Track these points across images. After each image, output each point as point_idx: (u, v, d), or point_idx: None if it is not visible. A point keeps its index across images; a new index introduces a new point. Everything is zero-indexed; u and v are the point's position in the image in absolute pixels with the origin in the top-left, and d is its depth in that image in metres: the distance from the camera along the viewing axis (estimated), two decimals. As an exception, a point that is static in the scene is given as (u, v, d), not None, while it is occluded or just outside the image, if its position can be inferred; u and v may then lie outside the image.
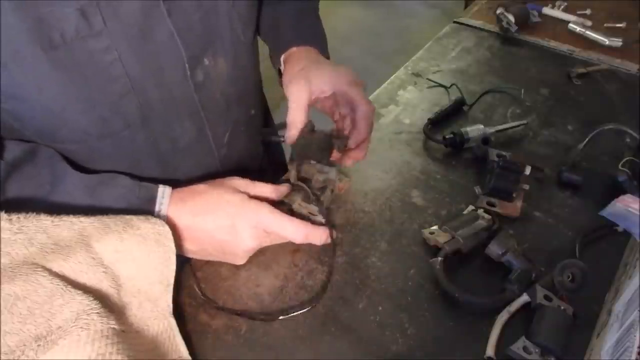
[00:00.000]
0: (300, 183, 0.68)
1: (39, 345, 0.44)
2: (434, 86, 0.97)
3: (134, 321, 0.53)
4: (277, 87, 0.74)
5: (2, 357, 0.43)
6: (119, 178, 0.57)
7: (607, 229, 0.68)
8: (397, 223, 0.70)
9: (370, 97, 0.94)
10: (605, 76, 0.98)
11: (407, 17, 3.41)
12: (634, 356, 0.43)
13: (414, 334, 0.58)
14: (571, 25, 1.12)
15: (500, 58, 1.05)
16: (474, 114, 0.90)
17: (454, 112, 0.90)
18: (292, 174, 0.68)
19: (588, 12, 1.16)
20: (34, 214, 0.50)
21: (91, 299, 0.48)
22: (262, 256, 0.66)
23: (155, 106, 0.58)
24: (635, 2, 1.18)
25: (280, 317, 0.58)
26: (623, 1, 1.20)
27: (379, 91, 0.96)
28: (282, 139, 0.72)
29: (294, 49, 0.73)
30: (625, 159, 0.73)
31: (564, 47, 1.07)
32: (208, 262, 0.66)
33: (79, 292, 0.48)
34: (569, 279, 0.59)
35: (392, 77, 1.00)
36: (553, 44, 1.08)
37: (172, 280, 0.56)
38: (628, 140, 0.78)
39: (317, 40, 0.75)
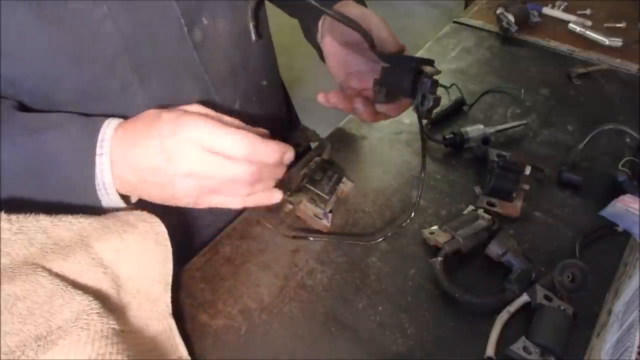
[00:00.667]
0: (307, 185, 0.68)
1: (39, 346, 0.44)
2: (434, 86, 0.97)
3: (134, 321, 0.53)
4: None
5: (2, 357, 0.43)
6: (60, 114, 0.53)
7: (607, 229, 0.68)
8: (397, 223, 0.70)
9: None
10: (605, 76, 0.98)
11: (407, 17, 3.41)
12: (634, 356, 0.43)
13: (414, 334, 0.58)
14: (571, 25, 1.12)
15: (500, 58, 1.05)
16: (474, 114, 0.90)
17: (454, 112, 0.90)
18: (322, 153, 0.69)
19: (588, 12, 1.16)
20: (34, 214, 0.50)
21: (91, 299, 0.48)
22: (262, 256, 0.66)
23: (153, 67, 0.57)
24: (635, 2, 1.18)
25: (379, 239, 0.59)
26: (623, 1, 1.20)
27: (379, 91, 0.96)
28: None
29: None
30: (625, 159, 0.73)
31: (564, 47, 1.07)
32: (208, 262, 0.66)
33: (79, 292, 0.48)
34: (569, 279, 0.59)
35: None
36: (553, 44, 1.08)
37: (170, 280, 0.56)
38: (628, 140, 0.78)
39: None
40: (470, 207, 0.70)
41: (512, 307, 0.58)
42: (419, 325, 0.59)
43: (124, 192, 0.53)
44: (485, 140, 0.80)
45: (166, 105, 0.54)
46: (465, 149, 0.81)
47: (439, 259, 0.62)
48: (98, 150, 0.49)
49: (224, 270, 0.65)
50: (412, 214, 0.65)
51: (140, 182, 0.51)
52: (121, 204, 0.54)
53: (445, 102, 0.91)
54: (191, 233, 0.72)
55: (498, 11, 1.10)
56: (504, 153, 0.75)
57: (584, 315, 0.58)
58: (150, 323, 0.54)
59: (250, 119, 0.56)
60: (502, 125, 0.83)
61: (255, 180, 0.51)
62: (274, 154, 0.50)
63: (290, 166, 0.81)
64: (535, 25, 1.13)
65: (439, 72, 0.61)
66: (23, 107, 0.54)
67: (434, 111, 0.87)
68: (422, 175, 0.64)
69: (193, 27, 0.59)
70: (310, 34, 0.74)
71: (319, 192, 0.68)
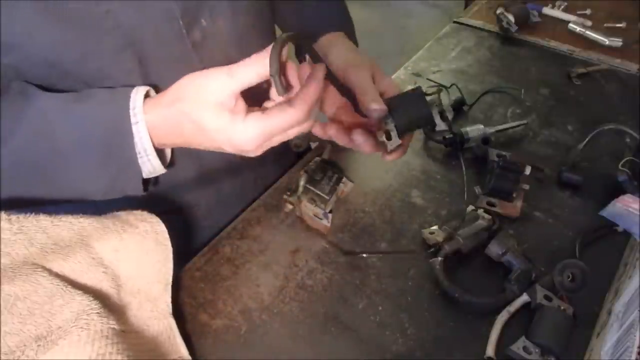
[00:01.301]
0: (307, 185, 0.68)
1: (39, 346, 0.44)
2: (434, 86, 0.97)
3: (134, 321, 0.53)
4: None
5: (2, 357, 0.43)
6: (88, 90, 0.54)
7: (607, 229, 0.68)
8: (397, 223, 0.70)
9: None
10: (605, 76, 0.98)
11: (407, 17, 3.41)
12: (634, 356, 0.43)
13: (414, 334, 0.58)
14: (571, 25, 1.12)
15: (500, 58, 1.05)
16: (474, 114, 0.90)
17: (454, 112, 0.90)
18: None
19: (588, 12, 1.16)
20: (34, 214, 0.50)
21: (91, 299, 0.48)
22: (262, 256, 0.66)
23: (155, 64, 0.58)
24: (635, 2, 1.18)
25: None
26: (623, 1, 1.20)
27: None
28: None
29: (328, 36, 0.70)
30: (625, 159, 0.73)
31: (564, 47, 1.07)
32: (208, 262, 0.66)
33: (79, 292, 0.48)
34: (569, 279, 0.59)
35: (392, 77, 1.00)
36: (553, 44, 1.08)
37: (170, 280, 0.56)
38: (628, 140, 0.78)
39: (345, 26, 0.72)
40: (470, 207, 0.70)
41: (512, 307, 0.58)
42: (419, 325, 0.59)
43: (162, 145, 0.54)
44: (485, 140, 0.80)
45: None
46: (465, 149, 0.81)
47: (439, 259, 0.62)
48: (132, 120, 0.51)
49: (224, 270, 0.65)
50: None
51: (180, 140, 0.53)
52: (160, 168, 0.54)
53: (445, 102, 0.91)
54: (191, 233, 0.72)
55: (498, 11, 1.10)
56: (504, 153, 0.75)
57: (584, 315, 0.58)
58: (150, 323, 0.54)
59: None
60: (502, 125, 0.83)
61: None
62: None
63: (290, 166, 0.82)
64: (535, 25, 1.13)
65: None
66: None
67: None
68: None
69: (192, 27, 0.59)
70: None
71: (319, 192, 0.68)
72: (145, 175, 0.54)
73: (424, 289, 0.62)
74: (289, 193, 0.70)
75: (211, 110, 0.49)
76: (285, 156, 0.85)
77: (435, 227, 0.67)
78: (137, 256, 0.54)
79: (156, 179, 0.57)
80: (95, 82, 0.55)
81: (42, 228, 0.50)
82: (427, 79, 0.99)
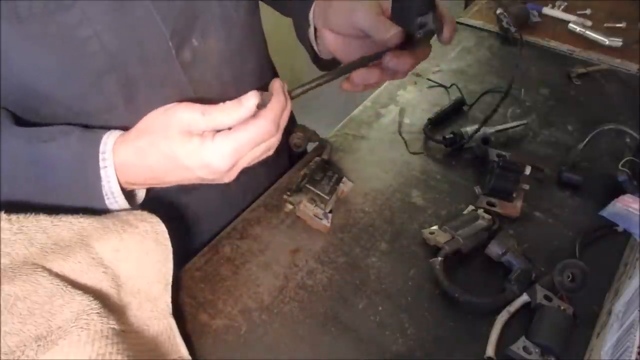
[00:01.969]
0: (307, 185, 0.68)
1: (39, 346, 0.44)
2: (434, 86, 0.97)
3: (134, 321, 0.53)
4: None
5: (2, 357, 0.43)
6: (61, 127, 0.53)
7: (607, 229, 0.68)
8: (397, 223, 0.70)
9: (370, 97, 0.94)
10: (605, 76, 0.98)
11: (407, 17, 3.40)
12: (634, 356, 0.43)
13: (414, 334, 0.58)
14: (571, 25, 1.12)
15: (500, 58, 1.05)
16: (474, 114, 0.90)
17: (454, 112, 0.90)
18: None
19: (588, 12, 1.16)
20: (34, 214, 0.50)
21: (91, 299, 0.48)
22: (262, 256, 0.66)
23: (140, 87, 0.56)
24: (635, 2, 1.18)
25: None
26: (623, 1, 1.20)
27: (379, 91, 0.96)
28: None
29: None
30: (625, 159, 0.73)
31: (564, 47, 1.07)
32: (208, 262, 0.66)
33: (79, 292, 0.48)
34: (569, 279, 0.59)
35: (392, 77, 1.00)
36: (553, 44, 1.08)
37: (170, 280, 0.56)
38: (628, 140, 0.78)
39: None
40: (470, 207, 0.70)
41: (512, 307, 0.58)
42: (419, 325, 0.59)
43: (131, 185, 0.54)
44: (485, 140, 0.80)
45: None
46: (465, 149, 0.81)
47: (439, 259, 0.62)
48: (101, 164, 0.50)
49: (224, 270, 0.65)
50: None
51: (148, 178, 0.52)
52: (127, 206, 0.54)
53: (445, 102, 0.91)
54: (191, 233, 0.72)
55: (498, 11, 1.10)
56: (504, 153, 0.75)
57: (584, 315, 0.58)
58: (150, 323, 0.54)
59: None
60: (502, 125, 0.83)
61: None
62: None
63: (290, 166, 0.82)
64: (535, 25, 1.13)
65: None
66: (18, 119, 0.54)
67: (434, 111, 0.88)
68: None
69: (182, 47, 0.58)
70: (302, 31, 0.70)
71: (319, 192, 0.68)
72: (112, 209, 0.54)
73: (424, 289, 0.62)
74: (289, 193, 0.70)
75: (179, 136, 0.48)
76: (286, 156, 0.85)
77: (435, 227, 0.67)
78: (137, 256, 0.54)
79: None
80: (75, 105, 0.54)
81: (42, 228, 0.50)
82: (427, 79, 0.99)
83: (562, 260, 0.60)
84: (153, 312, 0.55)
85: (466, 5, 1.79)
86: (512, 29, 1.08)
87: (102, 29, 0.51)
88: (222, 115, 0.48)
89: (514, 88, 0.94)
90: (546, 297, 0.58)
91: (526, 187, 0.72)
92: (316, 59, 0.72)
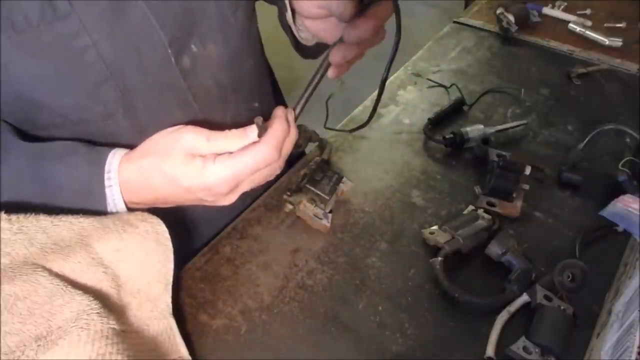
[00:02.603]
0: (307, 185, 0.68)
1: (39, 346, 0.44)
2: (434, 86, 0.97)
3: (134, 321, 0.53)
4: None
5: (2, 357, 0.43)
6: (66, 144, 0.54)
7: (607, 229, 0.68)
8: (397, 223, 0.70)
9: (370, 97, 0.94)
10: (605, 76, 0.98)
11: (407, 17, 3.40)
12: (634, 356, 0.43)
13: (414, 334, 0.58)
14: (571, 25, 1.12)
15: (500, 58, 1.05)
16: (474, 114, 0.90)
17: (454, 112, 0.90)
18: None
19: (588, 12, 1.16)
20: (34, 214, 0.50)
21: (91, 299, 0.48)
22: (262, 256, 0.66)
23: (139, 94, 0.56)
24: (635, 2, 1.18)
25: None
26: (623, 1, 1.20)
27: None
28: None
29: None
30: (625, 159, 0.73)
31: (564, 47, 1.07)
32: (208, 262, 0.66)
33: (79, 292, 0.48)
34: (569, 279, 0.59)
35: (392, 77, 1.00)
36: (553, 44, 1.08)
37: (170, 280, 0.56)
38: (628, 140, 0.78)
39: None
40: (470, 207, 0.70)
41: (512, 307, 0.58)
42: (419, 325, 0.59)
43: (135, 205, 0.55)
44: (485, 140, 0.80)
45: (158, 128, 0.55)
46: (465, 149, 0.81)
47: (439, 259, 0.62)
48: (107, 183, 0.51)
49: (224, 270, 0.65)
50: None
51: (152, 195, 0.53)
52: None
53: (445, 102, 0.91)
54: (191, 233, 0.72)
55: (498, 11, 1.10)
56: (504, 153, 0.75)
57: (584, 315, 0.58)
58: (150, 323, 0.54)
59: None
60: (502, 125, 0.83)
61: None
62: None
63: (290, 166, 0.82)
64: (535, 25, 1.13)
65: None
66: (21, 133, 0.55)
67: (434, 111, 0.88)
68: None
69: (181, 54, 0.58)
70: (282, 16, 0.69)
71: (319, 192, 0.68)
72: None
73: (424, 289, 0.62)
74: (289, 193, 0.70)
75: (181, 158, 0.49)
76: (291, 156, 0.85)
77: (435, 227, 0.67)
78: (137, 256, 0.54)
79: None
80: (73, 114, 0.54)
81: (42, 228, 0.50)
82: (427, 79, 0.99)
83: (562, 260, 0.59)
84: (153, 312, 0.55)
85: (466, 5, 1.80)
86: (512, 29, 1.08)
87: (99, 38, 0.51)
88: (226, 142, 0.49)
89: (514, 88, 0.95)
90: (546, 297, 0.58)
91: (526, 187, 0.72)
92: (297, 45, 0.71)
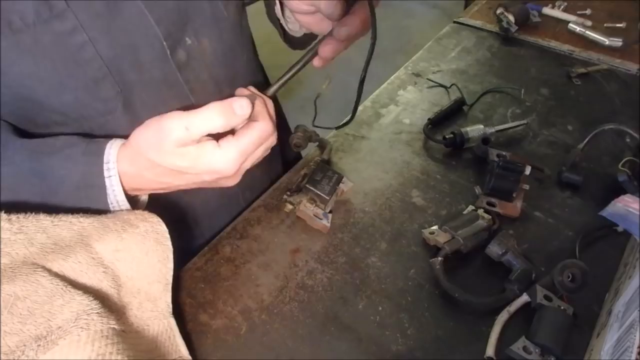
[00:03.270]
0: (307, 186, 0.68)
1: (39, 346, 0.44)
2: (434, 86, 0.97)
3: (134, 321, 0.53)
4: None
5: (2, 357, 0.43)
6: (64, 138, 0.54)
7: (607, 229, 0.68)
8: (397, 223, 0.70)
9: (370, 97, 0.94)
10: (605, 76, 0.98)
11: (407, 17, 3.41)
12: (634, 356, 0.43)
13: (414, 334, 0.58)
14: (571, 25, 1.12)
15: (500, 58, 1.05)
16: (474, 114, 0.90)
17: (454, 112, 0.90)
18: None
19: (588, 12, 1.16)
20: (34, 214, 0.50)
21: (91, 299, 0.48)
22: (262, 256, 0.66)
23: (137, 90, 0.56)
24: (635, 2, 1.18)
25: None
26: (623, 1, 1.20)
27: (379, 91, 0.96)
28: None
29: None
30: (625, 159, 0.73)
31: (564, 47, 1.07)
32: (208, 262, 0.66)
33: (79, 292, 0.48)
34: (569, 279, 0.59)
35: (392, 77, 1.00)
36: (553, 44, 1.08)
37: (170, 279, 0.56)
38: (628, 140, 0.78)
39: None
40: (470, 207, 0.70)
41: (512, 307, 0.58)
42: (419, 325, 0.59)
43: (136, 191, 0.55)
44: (485, 140, 0.80)
45: None
46: (465, 149, 0.81)
47: (439, 259, 0.62)
48: (106, 173, 0.52)
49: (224, 270, 0.65)
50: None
51: (153, 187, 0.54)
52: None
53: (445, 102, 0.91)
54: (191, 233, 0.72)
55: (498, 11, 1.10)
56: (504, 153, 0.75)
57: (584, 315, 0.58)
58: (150, 323, 0.54)
59: None
60: (502, 125, 0.83)
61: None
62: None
63: (290, 166, 0.82)
64: (535, 25, 1.13)
65: None
66: (20, 131, 0.55)
67: (434, 111, 0.88)
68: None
69: (176, 48, 0.58)
70: (269, 8, 0.70)
71: (319, 192, 0.68)
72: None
73: (424, 289, 0.62)
74: (289, 193, 0.70)
75: (176, 151, 0.49)
76: (279, 155, 0.85)
77: (435, 227, 0.67)
78: (137, 256, 0.54)
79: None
80: (72, 112, 0.54)
81: (42, 228, 0.50)
82: (427, 79, 0.99)
83: (562, 260, 0.60)
84: (153, 312, 0.55)
85: (466, 5, 1.80)
86: (512, 29, 1.08)
87: (96, 35, 0.51)
88: (206, 123, 0.48)
89: (513, 88, 0.95)
90: (546, 297, 0.58)
91: (526, 187, 0.72)
92: (286, 37, 0.72)
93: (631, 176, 0.71)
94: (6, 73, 0.49)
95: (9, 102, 0.52)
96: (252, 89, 0.55)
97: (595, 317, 0.58)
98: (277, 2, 0.67)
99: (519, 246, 0.64)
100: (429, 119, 0.86)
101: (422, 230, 0.68)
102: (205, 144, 0.49)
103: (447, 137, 0.81)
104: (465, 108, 0.91)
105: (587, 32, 1.09)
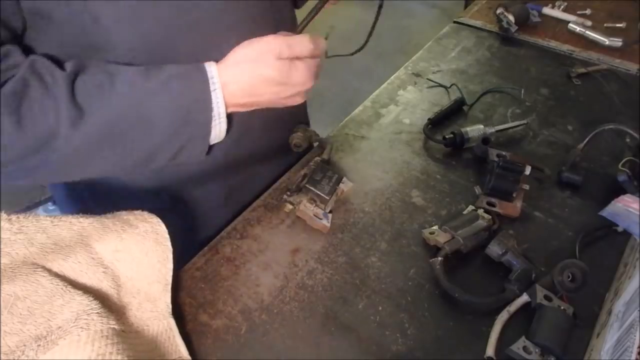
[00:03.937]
0: (307, 186, 0.68)
1: (39, 345, 0.44)
2: (434, 86, 0.97)
3: (134, 321, 0.53)
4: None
5: (2, 357, 0.43)
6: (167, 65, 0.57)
7: (607, 229, 0.68)
8: (397, 223, 0.70)
9: (370, 97, 0.94)
10: (605, 76, 0.98)
11: (407, 17, 3.41)
12: (634, 356, 0.43)
13: (414, 334, 0.58)
14: (571, 25, 1.12)
15: (500, 58, 1.05)
16: (474, 114, 0.90)
17: (454, 112, 0.90)
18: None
19: (588, 12, 1.16)
20: (34, 214, 0.50)
21: (91, 299, 0.48)
22: (262, 256, 0.66)
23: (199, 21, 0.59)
24: (635, 2, 1.18)
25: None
26: (623, 1, 1.20)
27: (379, 91, 0.96)
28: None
29: None
30: (625, 159, 0.73)
31: (564, 47, 1.07)
32: (208, 262, 0.66)
33: (79, 292, 0.48)
34: (569, 279, 0.59)
35: (392, 77, 1.00)
36: (553, 44, 1.08)
37: (170, 280, 0.56)
38: (628, 140, 0.78)
39: None
40: (470, 207, 0.70)
41: (512, 307, 0.58)
42: (419, 325, 0.59)
43: (231, 107, 0.58)
44: (485, 140, 0.80)
45: None
46: (465, 149, 0.81)
47: (439, 259, 0.62)
48: (212, 87, 0.55)
49: (224, 270, 0.65)
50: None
51: (245, 96, 0.58)
52: (223, 135, 0.59)
53: (445, 102, 0.91)
54: (191, 233, 0.72)
55: (498, 11, 1.10)
56: (504, 153, 0.75)
57: (584, 315, 0.58)
58: (150, 323, 0.54)
59: None
60: (502, 125, 0.83)
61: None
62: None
63: (290, 166, 0.82)
64: (535, 25, 1.13)
65: None
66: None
67: (434, 111, 0.88)
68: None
69: None
70: None
71: (319, 192, 0.68)
72: (210, 141, 0.57)
73: (424, 289, 0.62)
74: (289, 193, 0.70)
75: (276, 66, 0.56)
76: (288, 155, 0.85)
77: (435, 227, 0.67)
78: (137, 256, 0.54)
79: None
80: (195, 53, 0.57)
81: (42, 228, 0.50)
82: (427, 79, 0.99)
83: (562, 260, 0.60)
84: (153, 312, 0.55)
85: (466, 5, 1.79)
86: (512, 29, 1.08)
87: None
88: (300, 46, 0.57)
89: (513, 88, 0.95)
90: (546, 297, 0.58)
91: (526, 187, 0.72)
92: None
93: (631, 176, 0.71)
94: (139, 16, 0.52)
95: (143, 44, 0.55)
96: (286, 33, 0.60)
97: (595, 317, 0.58)
98: None
99: (519, 246, 0.64)
100: (429, 119, 0.86)
101: (422, 230, 0.68)
102: (296, 61, 0.57)
103: (447, 137, 0.81)
104: (465, 108, 0.91)
105: (587, 32, 1.09)
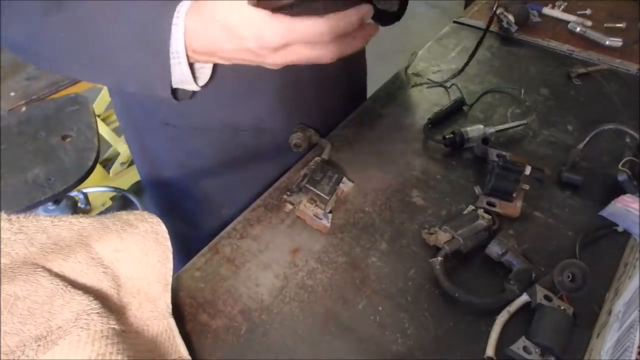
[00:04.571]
0: (307, 186, 0.68)
1: (39, 345, 0.44)
2: (434, 86, 0.97)
3: (134, 321, 0.53)
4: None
5: (2, 357, 0.43)
6: None
7: (607, 229, 0.68)
8: (397, 223, 0.70)
9: (370, 97, 0.94)
10: (605, 76, 0.98)
11: (407, 17, 3.40)
12: (634, 356, 0.43)
13: (414, 334, 0.58)
14: (571, 25, 1.12)
15: (500, 58, 1.05)
16: (474, 114, 0.90)
17: (454, 112, 0.90)
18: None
19: (588, 12, 1.16)
20: (34, 214, 0.50)
21: (91, 299, 0.48)
22: (262, 256, 0.66)
23: None
24: (635, 2, 1.18)
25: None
26: (623, 1, 1.20)
27: (379, 91, 0.96)
28: None
29: None
30: (625, 159, 0.73)
31: (564, 47, 1.07)
32: (208, 262, 0.66)
33: (79, 292, 0.48)
34: (569, 279, 0.59)
35: (392, 77, 1.00)
36: (553, 44, 1.08)
37: (170, 280, 0.56)
38: (628, 140, 0.78)
39: None
40: (470, 207, 0.70)
41: (512, 307, 0.58)
42: (419, 325, 0.59)
43: (193, 55, 0.56)
44: (485, 140, 0.80)
45: None
46: (465, 149, 0.81)
47: (439, 259, 0.62)
48: (174, 20, 0.53)
49: (224, 270, 0.65)
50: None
51: (202, 42, 0.54)
52: (190, 78, 0.56)
53: (445, 102, 0.91)
54: (191, 233, 0.72)
55: (498, 11, 1.10)
56: (504, 153, 0.75)
57: (584, 315, 0.58)
58: (150, 323, 0.54)
59: None
60: (502, 125, 0.83)
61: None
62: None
63: (290, 166, 0.82)
64: (535, 25, 1.13)
65: None
66: None
67: (434, 111, 0.88)
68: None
69: None
70: None
71: (319, 192, 0.68)
72: (174, 84, 0.56)
73: (424, 289, 0.62)
74: (289, 193, 0.70)
75: (234, 10, 0.50)
76: (288, 155, 0.85)
77: (435, 227, 0.67)
78: (137, 256, 0.54)
79: (192, 94, 0.58)
80: None
81: (42, 228, 0.50)
82: (427, 78, 0.99)
83: (562, 260, 0.60)
84: (153, 312, 0.55)
85: (466, 5, 1.79)
86: (512, 29, 1.08)
87: None
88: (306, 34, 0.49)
89: (513, 88, 0.95)
90: (546, 297, 0.58)
91: (526, 187, 0.72)
92: None
93: (631, 176, 0.71)
94: None
95: None
96: (357, 10, 0.52)
97: (595, 317, 0.58)
98: None
99: (519, 246, 0.64)
100: (429, 119, 0.86)
101: (422, 230, 0.68)
102: (260, 10, 0.49)
103: (447, 137, 0.81)
104: (465, 108, 0.91)
105: (587, 32, 1.09)
